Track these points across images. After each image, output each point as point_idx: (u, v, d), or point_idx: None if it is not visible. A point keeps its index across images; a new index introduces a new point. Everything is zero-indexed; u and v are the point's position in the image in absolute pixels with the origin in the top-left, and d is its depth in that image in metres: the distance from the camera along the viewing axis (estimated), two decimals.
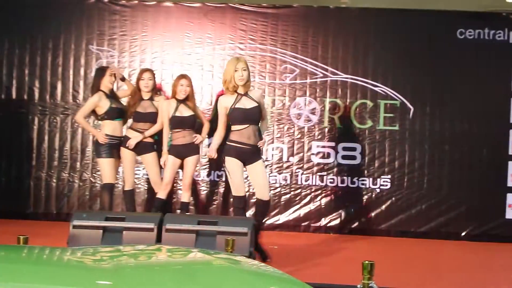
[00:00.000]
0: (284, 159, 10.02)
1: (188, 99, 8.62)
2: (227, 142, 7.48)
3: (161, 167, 8.83)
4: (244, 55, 9.96)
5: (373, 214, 10.05)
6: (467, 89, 9.96)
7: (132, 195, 9.07)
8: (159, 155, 8.76)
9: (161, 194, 8.64)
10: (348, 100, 10.08)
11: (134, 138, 8.70)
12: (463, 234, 9.91)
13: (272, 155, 10.08)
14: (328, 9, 10.31)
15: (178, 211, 9.18)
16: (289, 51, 10.11)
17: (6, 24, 10.33)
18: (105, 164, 8.73)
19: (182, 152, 8.60)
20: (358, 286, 3.71)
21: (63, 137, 10.23)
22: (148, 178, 9.49)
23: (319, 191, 10.06)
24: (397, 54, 10.06)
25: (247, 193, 7.84)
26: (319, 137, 10.10)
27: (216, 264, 3.24)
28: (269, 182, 9.60)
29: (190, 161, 8.66)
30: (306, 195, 10.01)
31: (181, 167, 8.81)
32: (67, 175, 10.23)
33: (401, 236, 9.85)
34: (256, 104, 7.44)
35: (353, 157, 10.07)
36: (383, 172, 10.04)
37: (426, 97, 10.04)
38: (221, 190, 10.13)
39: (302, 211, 10.01)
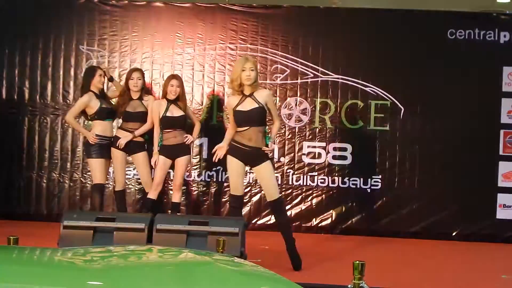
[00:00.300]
0: (275, 159, 10.01)
1: (179, 99, 8.60)
2: (231, 142, 7.45)
3: (151, 167, 8.82)
4: (235, 56, 9.97)
5: (364, 214, 10.06)
6: (458, 89, 9.98)
7: (123, 195, 9.06)
8: (150, 155, 8.74)
9: (152, 194, 8.63)
10: (339, 100, 10.09)
11: (124, 137, 8.68)
12: (454, 234, 9.92)
13: None
14: (318, 10, 10.32)
15: (169, 211, 9.17)
16: (280, 51, 10.11)
17: None
18: (96, 165, 8.72)
19: (173, 152, 8.59)
20: (349, 286, 3.70)
21: (53, 137, 10.21)
22: (139, 179, 9.47)
23: (310, 191, 10.07)
24: (388, 54, 10.08)
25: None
26: (310, 137, 10.10)
27: (207, 264, 3.24)
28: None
29: (181, 161, 8.65)
30: (297, 195, 10.01)
31: (172, 167, 8.81)
32: (57, 175, 10.20)
33: (392, 236, 9.85)
34: (257, 106, 7.32)
35: (344, 157, 10.08)
36: (374, 172, 10.05)
37: (416, 97, 10.06)
38: (212, 190, 10.12)
39: (293, 211, 10.00)
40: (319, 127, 10.10)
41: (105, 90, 9.20)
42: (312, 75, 10.08)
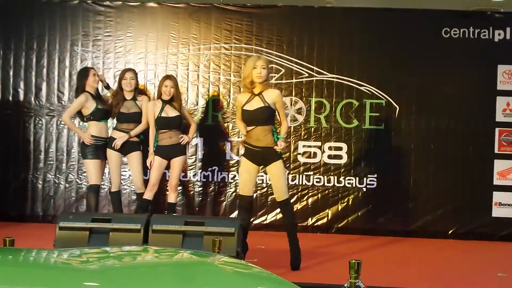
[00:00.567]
0: None
1: (173, 100, 8.61)
2: (245, 143, 7.48)
3: (147, 168, 8.81)
4: (230, 55, 9.97)
5: (359, 213, 10.06)
6: (453, 88, 9.99)
7: (119, 196, 9.05)
8: (145, 156, 8.74)
9: (148, 195, 8.63)
10: (334, 100, 10.09)
11: (120, 138, 8.68)
12: (449, 232, 9.93)
13: None
14: (313, 9, 10.32)
15: (165, 212, 9.16)
16: (275, 51, 10.10)
17: None
18: (91, 165, 8.71)
19: (169, 152, 8.59)
20: (345, 285, 3.70)
21: (48, 138, 10.19)
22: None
23: (306, 191, 10.07)
24: (383, 53, 10.08)
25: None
26: (305, 136, 10.10)
27: (203, 264, 3.23)
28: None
29: (176, 161, 8.65)
30: (292, 195, 10.00)
31: (168, 167, 8.81)
32: (53, 176, 10.18)
33: (388, 235, 9.86)
34: (263, 105, 7.35)
35: (340, 157, 10.08)
36: (370, 171, 10.05)
37: (411, 96, 10.06)
38: (208, 190, 10.11)
39: None
40: (314, 126, 10.09)
41: (100, 93, 9.18)
42: (307, 75, 10.08)
